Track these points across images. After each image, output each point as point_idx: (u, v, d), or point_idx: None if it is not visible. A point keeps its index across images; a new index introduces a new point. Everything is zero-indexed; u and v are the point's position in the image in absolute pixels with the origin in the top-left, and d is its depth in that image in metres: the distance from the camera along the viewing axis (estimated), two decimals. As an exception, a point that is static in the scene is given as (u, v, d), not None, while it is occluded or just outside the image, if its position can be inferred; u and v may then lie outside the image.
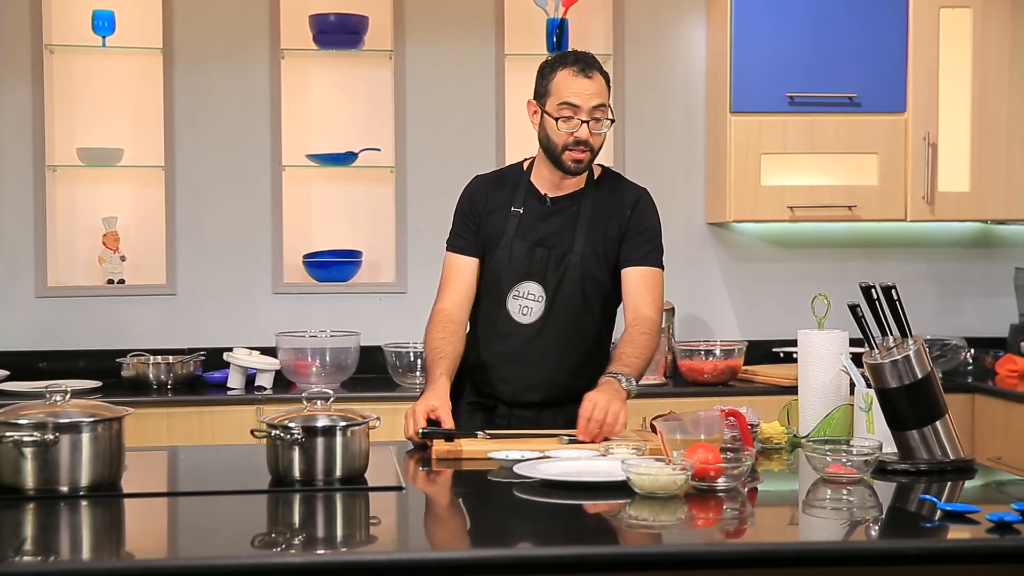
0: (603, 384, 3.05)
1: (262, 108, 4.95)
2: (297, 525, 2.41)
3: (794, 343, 3.27)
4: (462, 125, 5.03)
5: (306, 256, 4.98)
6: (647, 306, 3.22)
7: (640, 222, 3.26)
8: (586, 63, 3.20)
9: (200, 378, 4.71)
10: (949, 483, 2.67)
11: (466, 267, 3.34)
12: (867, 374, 2.83)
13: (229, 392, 4.53)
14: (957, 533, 2.26)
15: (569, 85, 3.17)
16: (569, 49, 3.35)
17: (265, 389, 4.54)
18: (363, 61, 5.06)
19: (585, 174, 3.29)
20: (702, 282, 5.14)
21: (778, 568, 2.16)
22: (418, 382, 4.60)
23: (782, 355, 4.86)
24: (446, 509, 2.59)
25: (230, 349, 4.65)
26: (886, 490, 2.62)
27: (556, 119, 3.18)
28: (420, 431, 2.99)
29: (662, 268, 3.30)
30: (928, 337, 4.72)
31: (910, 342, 2.77)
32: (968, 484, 2.69)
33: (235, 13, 4.94)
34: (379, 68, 5.04)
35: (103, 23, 4.82)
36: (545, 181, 3.31)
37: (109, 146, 4.88)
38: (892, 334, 2.81)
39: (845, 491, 2.57)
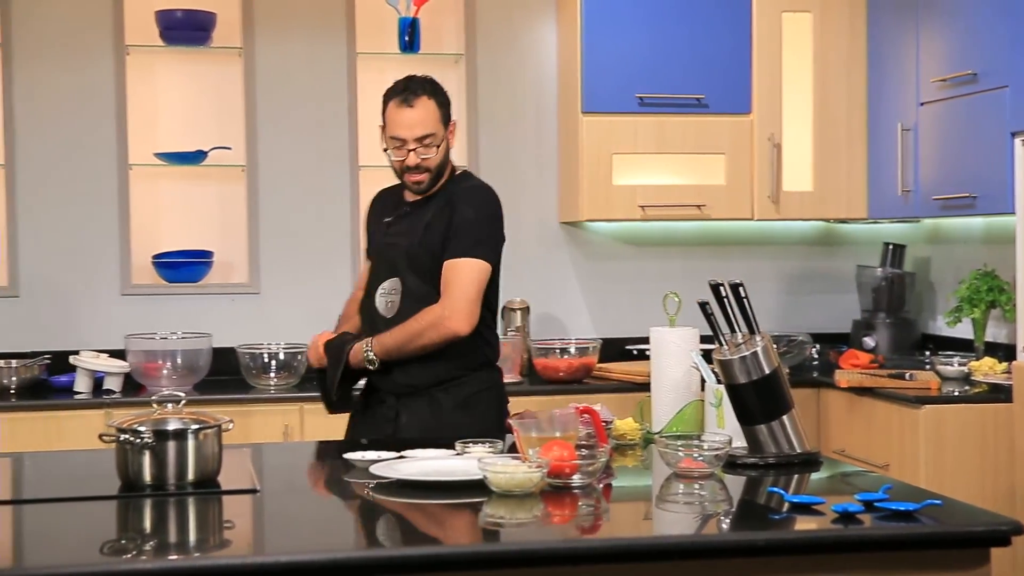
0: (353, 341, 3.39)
1: (107, 105, 4.84)
2: (148, 531, 2.36)
3: (647, 340, 3.32)
4: (314, 124, 4.99)
5: (155, 256, 4.88)
6: (442, 297, 3.33)
7: (456, 216, 3.37)
8: (412, 91, 3.37)
9: (45, 382, 4.58)
10: (796, 476, 2.75)
11: (365, 266, 3.65)
12: (717, 370, 2.88)
13: (76, 396, 4.43)
14: (804, 524, 2.32)
15: (394, 118, 3.38)
16: (408, 75, 3.47)
17: (114, 392, 4.44)
18: (212, 58, 4.98)
19: (444, 179, 3.45)
20: (556, 281, 5.19)
21: (633, 563, 2.19)
22: (272, 383, 4.56)
23: (635, 352, 4.93)
24: (301, 511, 2.57)
25: (76, 352, 4.53)
26: (736, 484, 2.68)
27: (386, 150, 3.41)
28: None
29: (473, 257, 3.34)
30: (775, 333, 4.83)
31: (758, 338, 2.84)
32: (814, 476, 2.76)
33: (76, 7, 4.82)
34: (228, 65, 4.97)
35: (-61, 16, 4.66)
36: (410, 192, 3.49)
37: (-54, 144, 4.72)
38: (740, 330, 2.87)
39: (697, 485, 2.63)
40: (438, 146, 3.37)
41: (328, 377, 3.38)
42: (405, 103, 3.35)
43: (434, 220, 3.37)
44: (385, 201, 3.60)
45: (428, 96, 3.37)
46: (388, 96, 3.41)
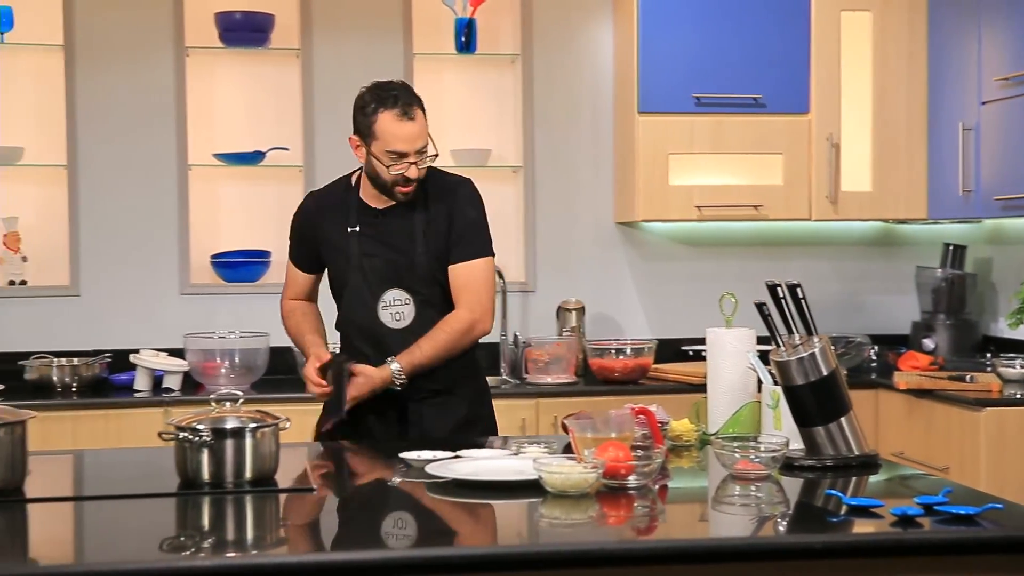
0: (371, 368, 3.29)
1: (167, 106, 4.89)
2: (207, 528, 2.38)
3: (703, 341, 3.30)
4: (371, 124, 5.00)
5: (214, 256, 4.92)
6: (462, 303, 3.33)
7: (459, 218, 3.35)
8: (407, 102, 3.27)
9: (106, 380, 4.64)
10: (854, 478, 2.72)
11: (301, 276, 3.57)
12: (774, 371, 2.86)
13: (136, 394, 4.48)
14: (862, 527, 2.30)
15: (394, 131, 3.24)
16: (390, 79, 3.41)
17: (173, 391, 4.49)
18: (270, 59, 5.02)
19: None
20: (612, 281, 5.18)
21: (689, 564, 2.18)
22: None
23: (691, 353, 4.91)
24: (357, 510, 2.58)
25: (136, 351, 4.58)
26: (793, 486, 2.66)
27: (386, 165, 3.27)
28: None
29: (484, 256, 3.36)
30: (833, 334, 4.79)
31: (815, 339, 2.82)
32: (872, 479, 2.74)
33: (138, 9, 4.87)
34: (286, 66, 5.00)
35: (1, 19, 4.72)
36: (374, 197, 3.39)
37: (9, 144, 4.78)
38: (798, 332, 2.85)
39: (753, 487, 2.61)
40: (436, 155, 3.33)
41: (334, 398, 3.28)
42: (406, 116, 3.25)
43: (431, 225, 3.32)
44: (333, 206, 3.43)
45: (418, 106, 3.30)
46: (377, 107, 3.26)
